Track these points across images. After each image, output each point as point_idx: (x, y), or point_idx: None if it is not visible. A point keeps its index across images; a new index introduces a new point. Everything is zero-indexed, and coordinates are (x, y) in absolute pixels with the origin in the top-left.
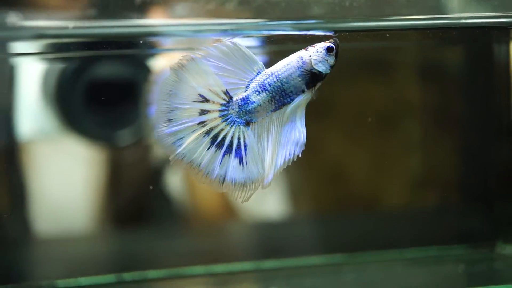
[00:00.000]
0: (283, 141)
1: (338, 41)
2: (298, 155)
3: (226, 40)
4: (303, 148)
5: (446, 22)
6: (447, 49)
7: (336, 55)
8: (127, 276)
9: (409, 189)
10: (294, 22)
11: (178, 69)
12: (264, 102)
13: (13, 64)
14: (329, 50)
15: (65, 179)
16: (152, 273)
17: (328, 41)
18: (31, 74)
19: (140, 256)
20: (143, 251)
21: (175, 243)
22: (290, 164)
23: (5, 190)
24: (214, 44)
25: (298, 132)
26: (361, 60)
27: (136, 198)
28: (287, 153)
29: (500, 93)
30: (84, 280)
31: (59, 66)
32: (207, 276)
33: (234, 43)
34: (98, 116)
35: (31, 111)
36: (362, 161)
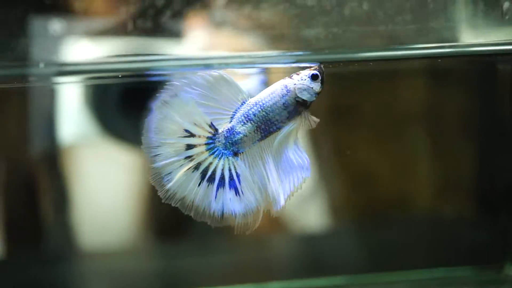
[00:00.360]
0: (285, 167)
1: (323, 68)
2: (307, 178)
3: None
4: (310, 171)
5: (449, 51)
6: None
7: (322, 82)
8: None
9: (424, 200)
10: (282, 54)
11: (162, 106)
12: (250, 132)
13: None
14: (313, 77)
15: (107, 185)
16: None
17: (312, 68)
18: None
19: (181, 271)
20: (184, 266)
21: (218, 257)
22: (301, 188)
23: (49, 197)
24: (199, 74)
25: (300, 158)
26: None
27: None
28: (295, 179)
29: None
30: None
31: None
32: None
33: (219, 73)
34: (136, 121)
35: (73, 117)
36: (385, 169)
